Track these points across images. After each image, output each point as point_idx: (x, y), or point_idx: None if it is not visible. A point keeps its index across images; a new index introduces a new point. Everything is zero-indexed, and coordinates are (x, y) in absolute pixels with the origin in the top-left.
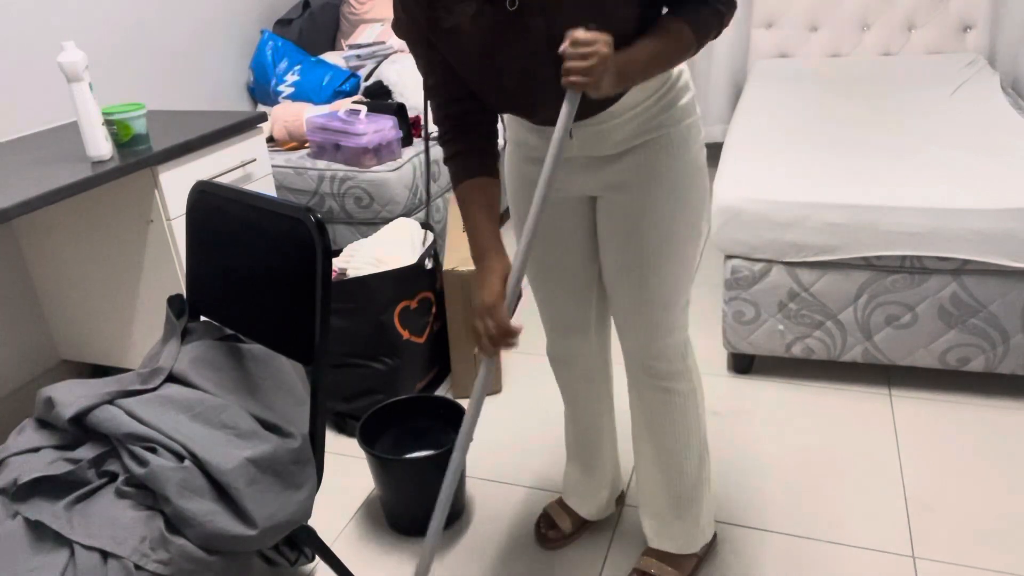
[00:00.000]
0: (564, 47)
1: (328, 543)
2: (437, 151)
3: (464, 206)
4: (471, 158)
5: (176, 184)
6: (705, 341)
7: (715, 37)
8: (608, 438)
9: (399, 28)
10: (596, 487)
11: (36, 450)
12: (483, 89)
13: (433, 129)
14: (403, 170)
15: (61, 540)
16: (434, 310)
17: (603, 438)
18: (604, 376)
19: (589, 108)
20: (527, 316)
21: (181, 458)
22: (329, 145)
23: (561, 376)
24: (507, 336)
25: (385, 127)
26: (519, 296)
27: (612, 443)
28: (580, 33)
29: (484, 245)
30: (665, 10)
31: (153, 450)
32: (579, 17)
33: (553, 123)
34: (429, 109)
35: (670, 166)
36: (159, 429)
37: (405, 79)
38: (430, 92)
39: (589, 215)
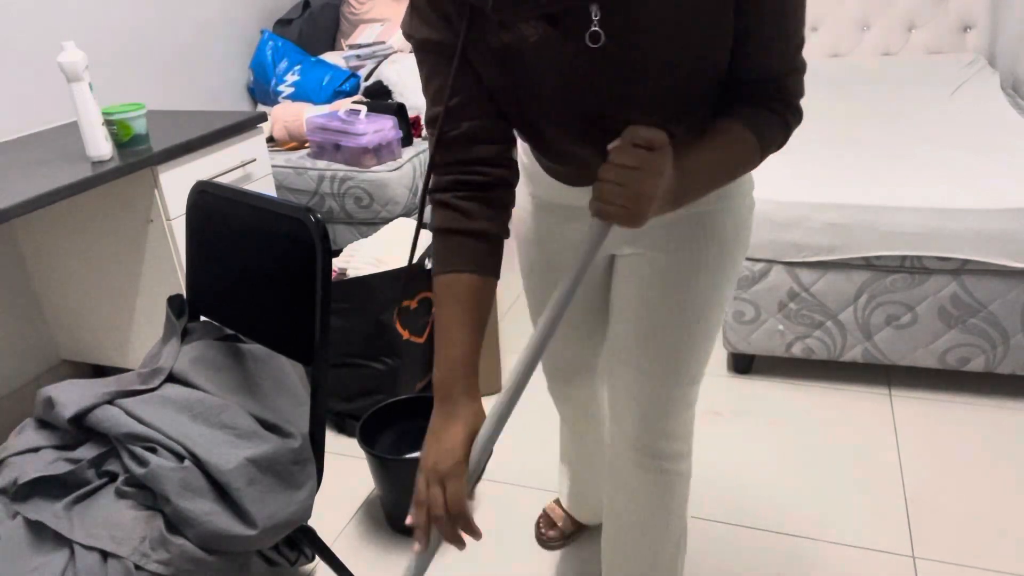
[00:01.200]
0: (611, 153)
1: (328, 543)
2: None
3: (443, 307)
4: (478, 241)
5: (176, 184)
6: None
7: (773, 152)
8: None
9: (414, 30)
10: (594, 493)
11: (36, 450)
12: (525, 131)
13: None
14: (403, 170)
15: (61, 540)
16: (434, 310)
17: (601, 447)
18: (597, 415)
19: None
20: (524, 319)
21: (181, 458)
22: (329, 145)
23: (561, 407)
24: (461, 522)
25: (385, 127)
26: (485, 462)
27: None
28: (628, 147)
29: (453, 375)
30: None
31: (153, 450)
32: (670, 58)
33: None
34: (432, 145)
35: (721, 227)
36: (159, 429)
37: (405, 79)
38: (444, 119)
39: (607, 270)
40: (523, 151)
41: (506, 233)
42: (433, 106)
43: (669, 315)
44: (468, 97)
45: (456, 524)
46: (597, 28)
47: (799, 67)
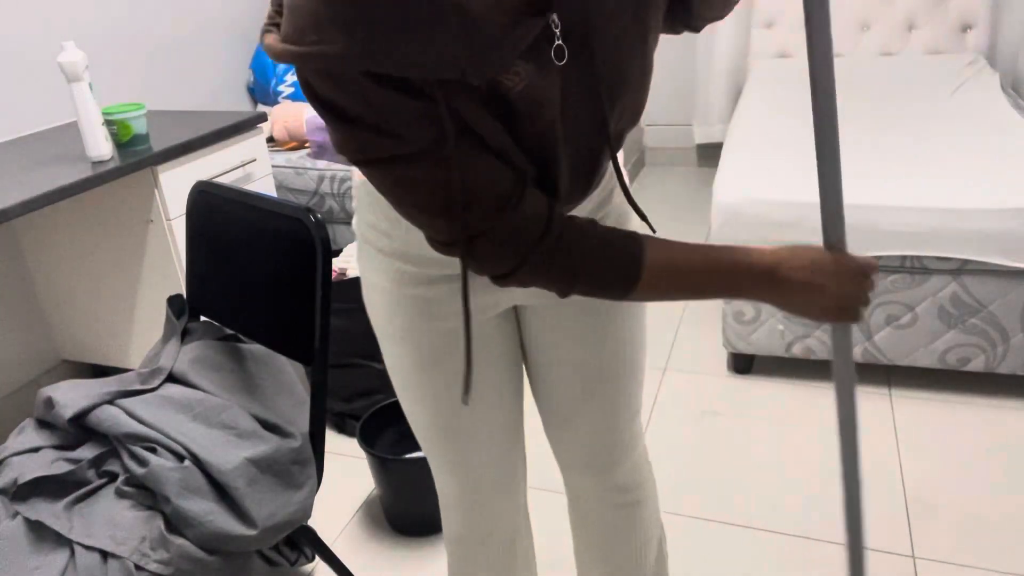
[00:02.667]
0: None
1: (328, 543)
2: None
3: (671, 266)
4: (618, 232)
5: (176, 184)
6: (705, 341)
7: None
8: None
9: (376, 150)
10: None
11: (36, 450)
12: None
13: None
14: None
15: (61, 540)
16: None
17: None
18: (528, 551)
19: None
20: None
21: (181, 458)
22: (329, 145)
23: (475, 563)
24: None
25: None
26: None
27: None
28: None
29: (733, 255)
30: None
31: (153, 450)
32: (626, 67)
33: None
34: (500, 236)
35: None
36: (159, 429)
37: None
38: (507, 195)
39: (516, 329)
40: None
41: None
42: (478, 203)
43: (613, 360)
44: (513, 174)
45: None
46: (560, 42)
47: None
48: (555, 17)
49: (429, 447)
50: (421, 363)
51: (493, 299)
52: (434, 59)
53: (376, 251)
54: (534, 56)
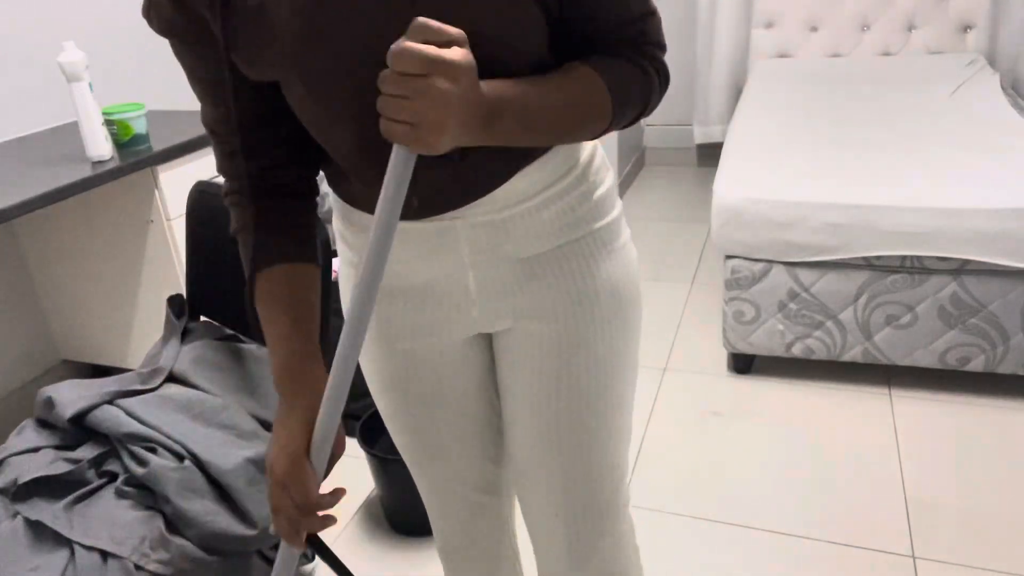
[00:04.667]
0: (392, 54)
1: (328, 543)
2: None
3: (263, 307)
4: (273, 231)
5: (176, 184)
6: (705, 341)
7: (636, 117)
8: None
9: (162, 21)
10: None
11: (36, 450)
12: (303, 112)
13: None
14: None
15: (61, 540)
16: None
17: None
18: (515, 565)
19: (465, 192)
20: None
21: (181, 458)
22: None
23: (462, 574)
24: (315, 513)
25: None
26: (336, 451)
27: None
28: (415, 44)
29: (287, 364)
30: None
31: (153, 450)
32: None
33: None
34: (218, 155)
35: (609, 273)
36: (159, 429)
37: None
38: (217, 124)
39: (487, 351)
40: (340, 237)
41: (308, 215)
42: (205, 105)
43: (577, 406)
44: (238, 83)
45: (312, 517)
46: None
47: (649, 10)
48: None
49: (406, 460)
50: (383, 382)
51: (447, 322)
52: None
53: (344, 262)
54: None
